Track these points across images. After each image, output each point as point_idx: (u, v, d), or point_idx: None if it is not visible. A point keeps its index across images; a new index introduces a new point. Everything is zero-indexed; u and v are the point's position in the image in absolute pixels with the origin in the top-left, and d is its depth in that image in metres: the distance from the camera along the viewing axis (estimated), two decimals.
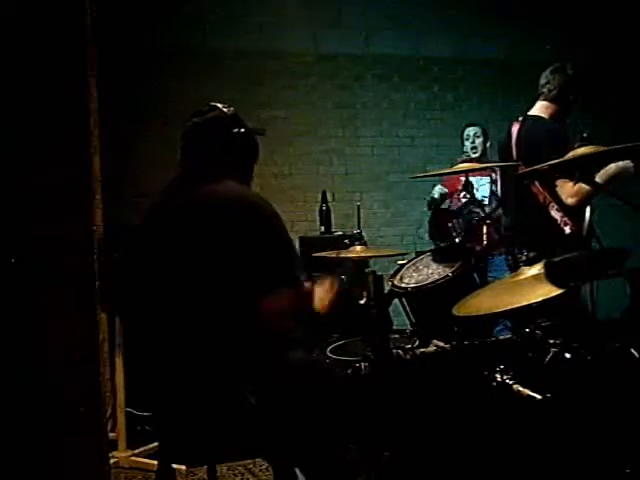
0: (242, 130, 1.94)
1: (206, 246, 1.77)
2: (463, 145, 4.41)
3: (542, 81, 3.14)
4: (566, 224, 2.96)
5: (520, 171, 2.97)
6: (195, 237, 1.79)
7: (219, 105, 1.97)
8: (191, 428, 1.80)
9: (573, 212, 2.91)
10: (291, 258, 1.83)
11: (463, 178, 4.25)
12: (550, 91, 3.10)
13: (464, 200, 4.10)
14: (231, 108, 1.97)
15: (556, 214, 2.97)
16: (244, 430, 1.76)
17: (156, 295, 1.86)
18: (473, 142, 4.33)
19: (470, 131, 4.38)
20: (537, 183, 3.00)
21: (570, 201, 2.87)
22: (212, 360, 1.74)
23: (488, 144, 4.37)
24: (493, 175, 4.22)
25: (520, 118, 3.18)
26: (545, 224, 2.98)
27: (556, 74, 3.11)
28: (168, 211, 1.90)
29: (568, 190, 2.86)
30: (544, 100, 3.13)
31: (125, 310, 2.01)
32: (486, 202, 4.17)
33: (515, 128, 3.16)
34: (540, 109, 3.15)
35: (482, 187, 4.26)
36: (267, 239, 1.77)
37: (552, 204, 2.96)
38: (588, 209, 2.84)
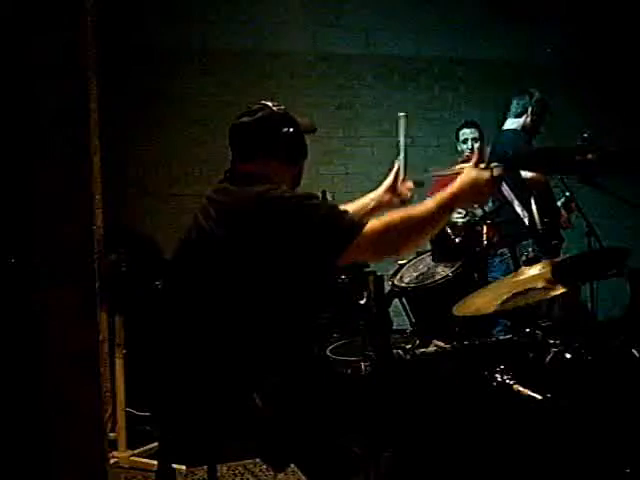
0: (291, 129, 1.93)
1: (250, 250, 1.73)
2: (458, 145, 4.31)
3: (511, 107, 3.69)
4: (525, 216, 3.35)
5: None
6: (232, 241, 1.75)
7: (269, 104, 1.96)
8: (191, 428, 1.80)
9: (527, 206, 3.29)
10: (331, 219, 1.74)
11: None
12: (515, 109, 3.63)
13: None
14: (282, 107, 1.97)
15: (518, 208, 3.38)
16: (249, 431, 1.75)
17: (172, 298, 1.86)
18: (471, 146, 4.16)
19: (468, 134, 4.23)
20: (504, 183, 3.39)
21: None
22: (223, 363, 1.74)
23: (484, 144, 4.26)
24: None
25: None
26: (513, 217, 3.38)
27: (520, 97, 3.66)
28: (211, 212, 1.85)
29: None
30: (510, 117, 3.68)
31: (135, 310, 2.00)
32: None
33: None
34: (508, 124, 3.70)
35: None
36: (301, 228, 1.72)
37: (514, 200, 3.38)
38: (533, 201, 2.95)
